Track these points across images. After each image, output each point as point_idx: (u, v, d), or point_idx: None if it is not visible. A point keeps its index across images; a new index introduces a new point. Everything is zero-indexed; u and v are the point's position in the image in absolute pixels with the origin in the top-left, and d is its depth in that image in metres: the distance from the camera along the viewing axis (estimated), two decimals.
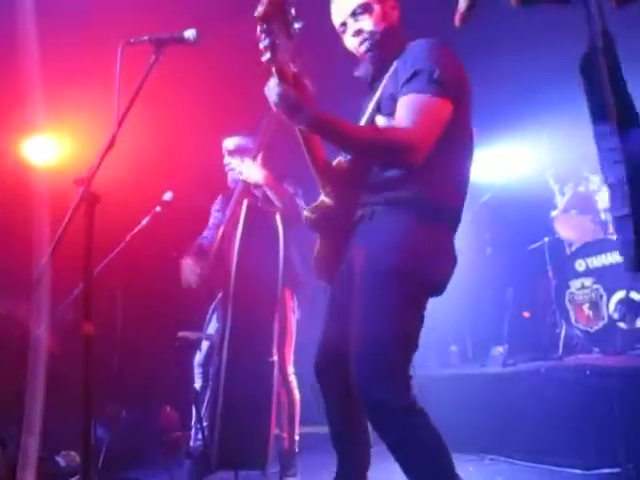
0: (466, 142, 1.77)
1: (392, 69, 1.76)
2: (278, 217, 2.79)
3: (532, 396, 3.11)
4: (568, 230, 4.16)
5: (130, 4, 3.73)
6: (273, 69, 1.54)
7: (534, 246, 4.43)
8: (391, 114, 1.69)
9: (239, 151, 3.08)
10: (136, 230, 3.08)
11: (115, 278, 3.00)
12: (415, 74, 1.65)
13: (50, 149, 4.40)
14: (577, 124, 4.15)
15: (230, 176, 3.14)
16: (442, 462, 1.59)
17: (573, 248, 4.08)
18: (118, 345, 3.38)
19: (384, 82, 1.78)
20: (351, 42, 1.83)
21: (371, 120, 1.78)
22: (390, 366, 1.59)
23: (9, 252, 3.74)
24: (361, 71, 1.87)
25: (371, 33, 1.78)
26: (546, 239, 4.30)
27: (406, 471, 1.61)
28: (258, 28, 1.48)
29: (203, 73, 3.96)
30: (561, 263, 4.09)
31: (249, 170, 2.85)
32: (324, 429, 1.92)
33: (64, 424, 2.59)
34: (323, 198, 1.86)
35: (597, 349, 3.60)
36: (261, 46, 1.50)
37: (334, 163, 1.82)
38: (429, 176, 1.66)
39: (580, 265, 3.82)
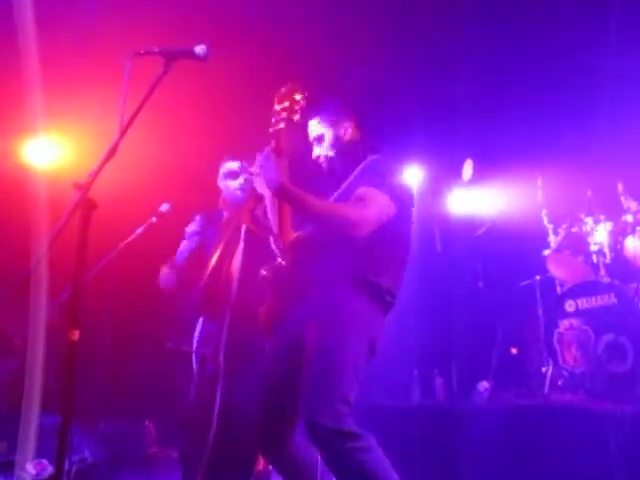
0: (406, 244, 2.15)
1: (353, 175, 2.16)
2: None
3: (516, 432, 3.08)
4: (560, 269, 4.17)
5: (139, 15, 3.78)
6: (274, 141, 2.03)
7: (525, 283, 4.44)
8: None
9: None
10: (130, 239, 3.06)
11: (105, 286, 2.98)
12: (372, 176, 2.07)
13: (51, 152, 4.39)
14: (572, 168, 4.23)
15: (234, 188, 3.13)
16: None
17: (564, 288, 4.09)
18: (103, 355, 3.34)
19: (346, 183, 2.17)
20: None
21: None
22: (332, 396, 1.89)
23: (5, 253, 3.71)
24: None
25: (327, 155, 2.26)
26: (538, 277, 4.31)
27: None
28: (279, 104, 2.07)
29: (210, 89, 3.99)
30: (551, 302, 4.09)
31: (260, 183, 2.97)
32: None
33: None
34: (280, 261, 2.14)
35: (582, 391, 3.59)
36: (278, 117, 2.06)
37: (296, 235, 2.15)
38: (375, 265, 2.05)
39: (570, 305, 3.82)
